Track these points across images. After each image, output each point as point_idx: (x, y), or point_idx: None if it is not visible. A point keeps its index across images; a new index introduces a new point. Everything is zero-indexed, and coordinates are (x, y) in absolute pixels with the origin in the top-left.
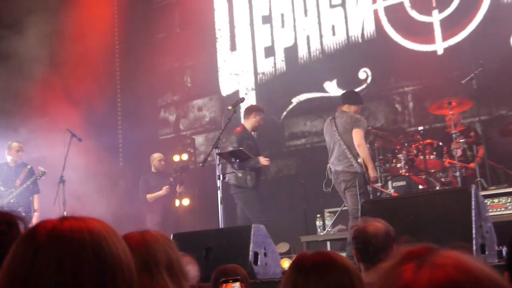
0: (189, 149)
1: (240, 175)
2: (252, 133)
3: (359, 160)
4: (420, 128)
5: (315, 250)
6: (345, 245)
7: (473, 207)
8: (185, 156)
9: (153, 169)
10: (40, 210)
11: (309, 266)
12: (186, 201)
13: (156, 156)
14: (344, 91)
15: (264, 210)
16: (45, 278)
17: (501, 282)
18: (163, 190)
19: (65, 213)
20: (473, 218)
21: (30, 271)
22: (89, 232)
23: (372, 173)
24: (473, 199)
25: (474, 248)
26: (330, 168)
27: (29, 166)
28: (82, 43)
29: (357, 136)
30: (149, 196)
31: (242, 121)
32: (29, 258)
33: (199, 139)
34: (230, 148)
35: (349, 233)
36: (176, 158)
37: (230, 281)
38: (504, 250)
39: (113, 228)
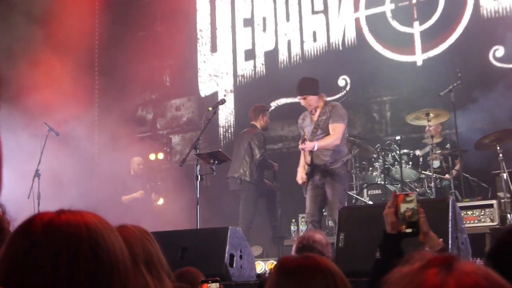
0: (165, 148)
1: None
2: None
3: None
4: (397, 137)
5: (302, 254)
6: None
7: (450, 218)
8: (161, 155)
9: (132, 172)
10: (14, 203)
11: (292, 269)
12: (160, 201)
13: (136, 160)
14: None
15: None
16: (40, 272)
17: None
18: (138, 194)
19: (39, 207)
20: (450, 229)
21: (25, 264)
22: (86, 226)
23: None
24: (450, 210)
25: None
26: None
27: None
28: (61, 37)
29: None
30: (124, 198)
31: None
32: (24, 251)
33: (176, 139)
34: (262, 150)
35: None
36: (152, 156)
37: (209, 281)
38: (478, 261)
39: (110, 223)
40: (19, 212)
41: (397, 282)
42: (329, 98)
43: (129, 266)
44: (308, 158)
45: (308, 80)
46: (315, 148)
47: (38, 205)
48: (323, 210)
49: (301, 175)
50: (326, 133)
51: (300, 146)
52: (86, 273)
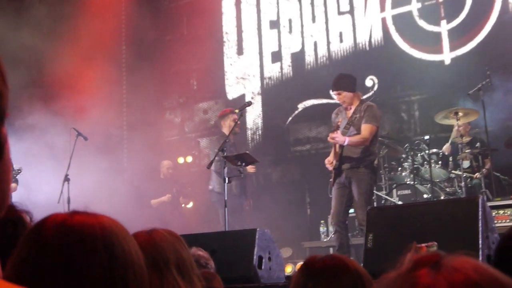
0: (193, 152)
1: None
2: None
3: None
4: (426, 137)
5: (326, 254)
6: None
7: (480, 217)
8: (189, 159)
9: (161, 175)
10: (43, 208)
11: (320, 269)
12: (190, 204)
13: (165, 163)
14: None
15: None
16: (54, 272)
17: None
18: (166, 197)
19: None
20: (480, 228)
21: (38, 264)
22: (101, 228)
23: None
24: (480, 209)
25: (480, 258)
26: None
27: None
28: (90, 42)
29: None
30: (153, 201)
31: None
32: (37, 251)
33: (204, 142)
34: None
35: None
36: (180, 160)
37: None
38: None
39: (124, 227)
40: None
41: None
42: None
43: (145, 269)
44: (338, 153)
45: (345, 76)
46: (346, 143)
47: (68, 209)
48: (349, 211)
49: (329, 159)
50: (358, 131)
51: (331, 135)
52: (101, 273)
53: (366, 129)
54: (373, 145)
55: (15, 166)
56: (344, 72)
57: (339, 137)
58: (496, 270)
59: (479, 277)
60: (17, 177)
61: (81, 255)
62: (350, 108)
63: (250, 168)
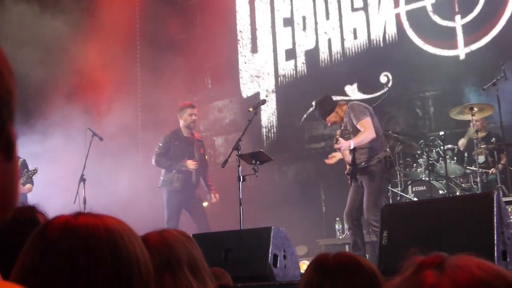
0: (209, 150)
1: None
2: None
3: None
4: (441, 133)
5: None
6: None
7: (495, 213)
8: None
9: None
10: (59, 208)
11: (334, 267)
12: (205, 203)
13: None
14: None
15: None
16: (58, 273)
17: None
18: None
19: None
20: (495, 224)
21: (42, 266)
22: (105, 228)
23: None
24: (495, 205)
25: (495, 254)
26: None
27: (21, 159)
28: (103, 43)
29: None
30: None
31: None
32: (40, 253)
33: (219, 141)
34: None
35: None
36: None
37: None
38: None
39: (130, 226)
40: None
41: None
42: (371, 95)
43: (151, 269)
44: (349, 158)
45: (320, 103)
46: (352, 146)
47: (84, 209)
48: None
49: (333, 154)
50: (356, 134)
51: (336, 146)
52: (105, 274)
53: (362, 125)
54: (376, 141)
55: (31, 167)
56: (317, 99)
57: (343, 143)
58: (500, 267)
59: (483, 274)
60: (32, 178)
61: (85, 255)
62: (342, 120)
63: (191, 164)
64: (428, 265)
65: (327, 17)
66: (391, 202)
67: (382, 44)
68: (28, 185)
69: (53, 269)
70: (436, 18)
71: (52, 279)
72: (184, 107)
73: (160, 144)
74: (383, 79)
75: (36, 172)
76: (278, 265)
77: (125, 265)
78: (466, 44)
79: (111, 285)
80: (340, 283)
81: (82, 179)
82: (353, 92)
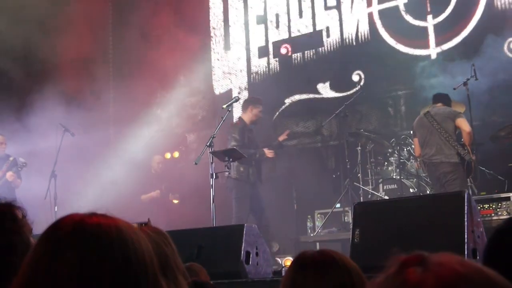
0: (180, 147)
1: (241, 169)
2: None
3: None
4: (412, 131)
5: (320, 249)
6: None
7: (465, 211)
8: (176, 154)
9: (152, 170)
10: (30, 204)
11: (308, 264)
12: (176, 199)
13: (156, 158)
14: (438, 93)
15: (253, 210)
16: (69, 270)
17: (503, 279)
18: (155, 193)
19: (55, 208)
20: (466, 223)
21: (53, 263)
22: (117, 229)
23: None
24: (466, 203)
25: (465, 253)
26: (425, 161)
27: (11, 158)
28: (76, 37)
29: (465, 123)
30: (143, 196)
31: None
32: (53, 250)
33: (191, 137)
34: (233, 142)
35: None
36: (168, 155)
37: None
38: None
39: (138, 230)
40: (36, 213)
41: None
42: (343, 94)
43: (158, 273)
44: None
45: None
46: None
47: (55, 205)
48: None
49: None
50: None
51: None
52: (115, 274)
53: None
54: None
55: (20, 160)
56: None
57: None
58: (479, 265)
59: (465, 270)
60: (20, 173)
61: (96, 253)
62: None
63: (269, 153)
64: (411, 263)
65: (300, 15)
66: (362, 200)
67: (354, 43)
68: (17, 180)
69: (65, 265)
70: (409, 18)
71: (64, 275)
72: (260, 103)
73: (237, 137)
74: (355, 77)
75: (25, 165)
76: (250, 262)
77: (134, 265)
78: (438, 43)
79: (119, 282)
80: (311, 279)
81: (54, 175)
82: (325, 90)
